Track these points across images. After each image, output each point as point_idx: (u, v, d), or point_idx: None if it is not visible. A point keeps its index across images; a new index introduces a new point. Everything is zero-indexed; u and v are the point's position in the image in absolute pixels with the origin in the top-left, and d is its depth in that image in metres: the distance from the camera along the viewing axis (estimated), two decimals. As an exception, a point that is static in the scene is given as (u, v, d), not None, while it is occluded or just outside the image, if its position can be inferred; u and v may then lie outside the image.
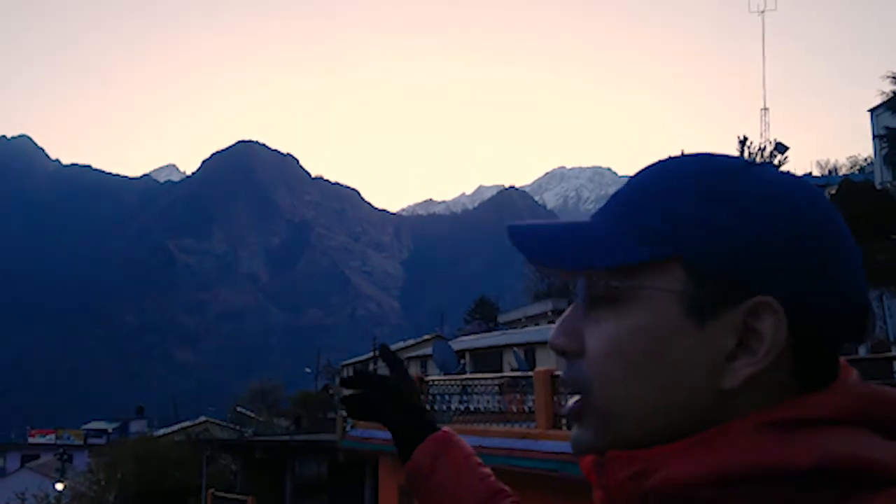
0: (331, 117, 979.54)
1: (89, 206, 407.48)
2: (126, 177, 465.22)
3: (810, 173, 38.99)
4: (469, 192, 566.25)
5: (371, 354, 44.88)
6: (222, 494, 23.38)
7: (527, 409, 12.17)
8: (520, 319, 43.06)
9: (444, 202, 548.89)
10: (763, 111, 38.52)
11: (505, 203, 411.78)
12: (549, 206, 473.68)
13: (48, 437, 58.10)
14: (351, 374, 1.21)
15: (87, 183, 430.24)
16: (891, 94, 15.96)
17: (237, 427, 42.20)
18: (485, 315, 54.42)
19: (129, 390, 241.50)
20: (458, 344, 29.72)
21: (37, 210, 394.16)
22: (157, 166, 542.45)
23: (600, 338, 0.63)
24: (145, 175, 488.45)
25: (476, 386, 14.26)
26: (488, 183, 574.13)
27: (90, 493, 31.60)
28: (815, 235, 0.60)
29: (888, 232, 13.41)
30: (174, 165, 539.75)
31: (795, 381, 0.59)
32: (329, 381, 55.92)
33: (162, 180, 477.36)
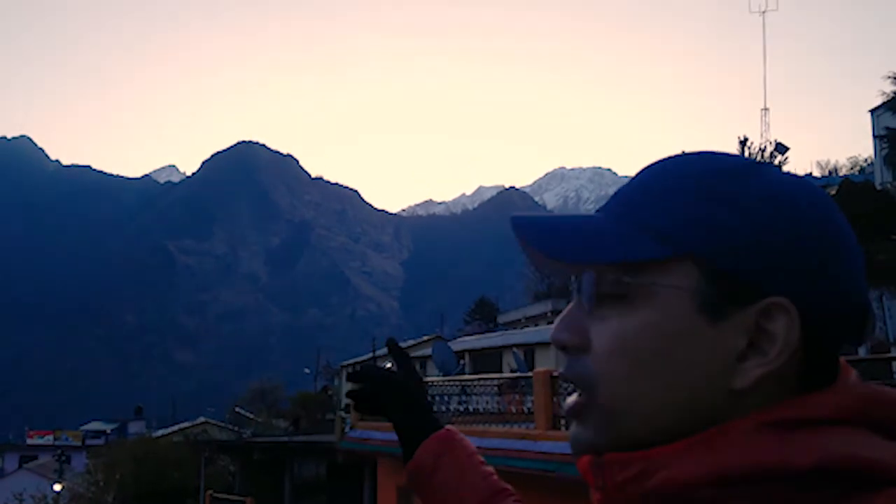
0: (331, 118, 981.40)
1: (89, 207, 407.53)
2: (126, 177, 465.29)
3: (811, 174, 38.99)
4: (469, 192, 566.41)
5: (370, 355, 44.81)
6: (221, 495, 23.32)
7: (526, 409, 12.15)
8: (519, 320, 43.02)
9: (444, 203, 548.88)
10: (763, 111, 38.44)
11: (505, 203, 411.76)
12: (550, 206, 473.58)
13: (46, 437, 58.05)
14: (357, 369, 1.21)
15: (87, 183, 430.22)
16: (891, 95, 15.91)
17: (236, 428, 42.18)
18: (484, 316, 54.38)
19: (128, 391, 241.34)
20: (457, 344, 29.69)
21: (37, 210, 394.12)
22: (157, 167, 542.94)
23: (607, 334, 0.62)
24: (145, 175, 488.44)
25: (475, 387, 14.24)
26: (488, 183, 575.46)
27: (88, 494, 31.57)
28: (822, 236, 0.60)
29: (888, 232, 13.36)
30: (174, 166, 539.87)
31: (797, 382, 0.60)
32: (328, 382, 55.83)
33: (162, 181, 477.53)
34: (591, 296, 0.63)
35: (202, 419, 48.14)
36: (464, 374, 20.21)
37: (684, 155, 0.66)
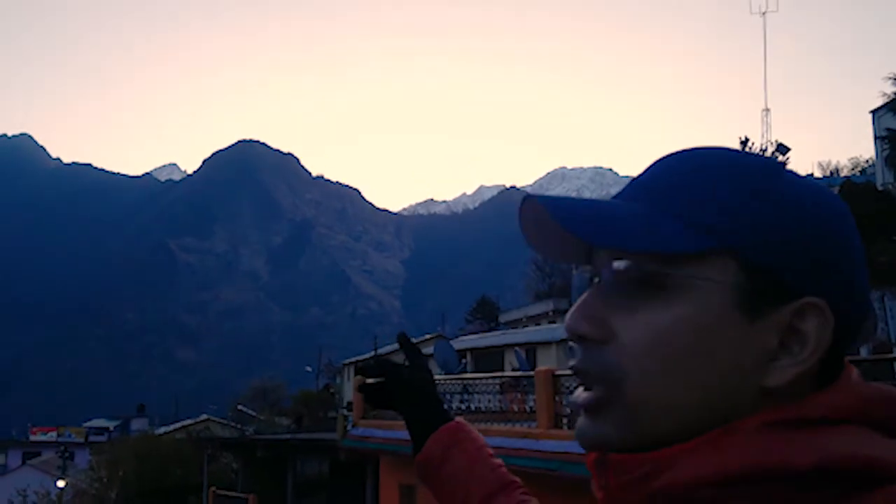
0: (331, 117, 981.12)
1: (90, 205, 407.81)
2: (127, 176, 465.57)
3: (812, 174, 39.01)
4: (470, 191, 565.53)
5: (372, 354, 44.89)
6: (223, 493, 23.41)
7: (528, 408, 12.21)
8: (521, 319, 43.09)
9: (445, 202, 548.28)
10: (764, 112, 38.50)
11: (506, 203, 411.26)
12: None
13: (49, 434, 58.24)
14: (369, 363, 1.22)
15: (87, 182, 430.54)
16: (892, 96, 15.97)
17: (238, 425, 42.28)
18: (486, 315, 54.45)
19: (130, 389, 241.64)
20: (459, 343, 29.75)
21: (37, 209, 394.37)
22: (158, 165, 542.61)
23: (639, 327, 0.60)
24: (146, 174, 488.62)
25: (477, 385, 14.32)
26: (489, 183, 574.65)
27: (91, 491, 31.67)
28: (846, 236, 0.61)
29: (890, 233, 13.43)
30: (175, 164, 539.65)
31: (814, 381, 0.60)
32: (330, 380, 55.97)
33: (163, 179, 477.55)
34: (621, 285, 0.61)
35: (205, 416, 48.23)
36: (466, 372, 20.28)
37: (707, 148, 0.65)
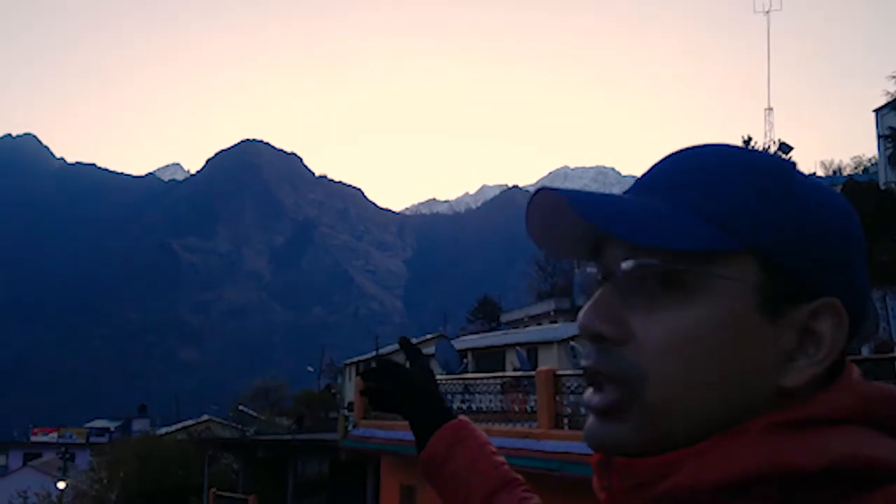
0: (334, 117, 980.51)
1: (94, 205, 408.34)
2: (130, 175, 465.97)
3: (814, 173, 38.94)
4: (472, 191, 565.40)
5: (374, 354, 44.86)
6: (224, 493, 23.40)
7: (529, 408, 12.17)
8: (522, 319, 43.07)
9: (447, 202, 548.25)
10: (767, 111, 38.51)
11: (508, 202, 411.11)
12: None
13: (50, 435, 58.28)
14: (371, 366, 1.23)
15: (91, 181, 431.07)
16: (895, 95, 15.91)
17: (239, 426, 42.26)
18: (487, 314, 54.46)
19: (132, 389, 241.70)
20: (460, 343, 29.71)
21: (41, 208, 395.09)
22: (161, 165, 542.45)
23: (658, 327, 0.58)
24: (150, 174, 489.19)
25: (478, 385, 14.29)
26: (491, 182, 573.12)
27: (92, 492, 31.64)
28: (856, 237, 0.62)
29: (892, 232, 13.38)
30: (178, 164, 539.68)
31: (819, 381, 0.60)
32: (331, 381, 55.97)
33: (166, 179, 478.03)
34: (638, 282, 0.60)
35: (206, 417, 48.20)
36: (467, 372, 20.22)
37: (718, 145, 0.64)
